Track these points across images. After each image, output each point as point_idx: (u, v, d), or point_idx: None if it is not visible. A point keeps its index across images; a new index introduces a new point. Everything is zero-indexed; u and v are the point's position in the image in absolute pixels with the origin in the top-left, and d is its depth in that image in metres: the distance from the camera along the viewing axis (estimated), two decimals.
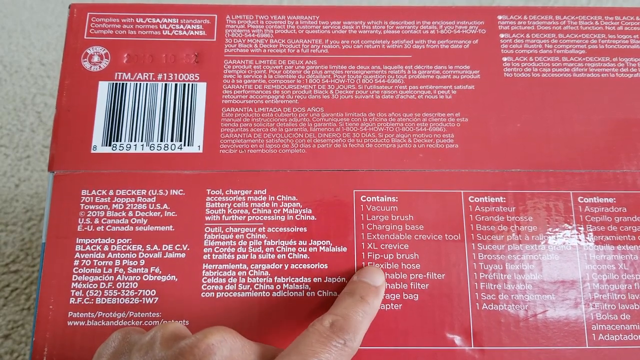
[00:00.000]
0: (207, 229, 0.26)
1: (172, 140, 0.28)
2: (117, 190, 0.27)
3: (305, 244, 0.26)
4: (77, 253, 0.26)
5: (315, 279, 0.26)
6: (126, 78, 0.29)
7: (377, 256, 0.26)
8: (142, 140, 0.27)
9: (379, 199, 0.27)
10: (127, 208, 0.26)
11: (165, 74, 0.29)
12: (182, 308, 0.25)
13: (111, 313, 0.25)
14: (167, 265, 0.26)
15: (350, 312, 0.22)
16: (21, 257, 0.43)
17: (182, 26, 0.30)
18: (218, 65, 0.29)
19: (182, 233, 0.26)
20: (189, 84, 0.29)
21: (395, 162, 0.27)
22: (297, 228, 0.26)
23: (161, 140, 0.28)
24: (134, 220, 0.26)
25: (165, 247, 0.26)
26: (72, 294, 0.25)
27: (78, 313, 0.25)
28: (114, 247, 0.26)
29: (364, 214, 0.27)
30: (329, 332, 0.21)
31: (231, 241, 0.26)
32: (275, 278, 0.26)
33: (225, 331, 0.20)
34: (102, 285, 0.25)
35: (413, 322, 0.25)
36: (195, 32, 0.30)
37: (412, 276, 0.26)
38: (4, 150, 0.47)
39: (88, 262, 0.26)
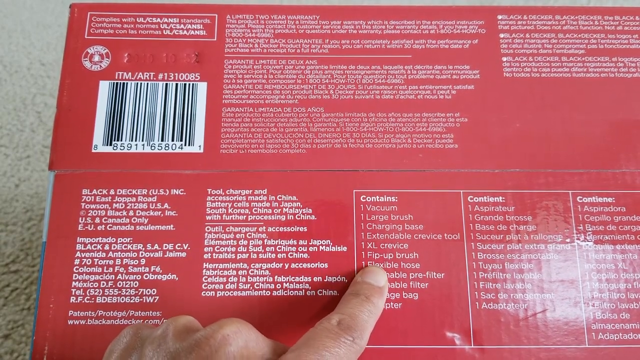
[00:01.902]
0: (208, 229, 0.26)
1: (172, 140, 0.28)
2: (118, 190, 0.27)
3: (306, 243, 0.26)
4: (78, 252, 0.26)
5: (315, 279, 0.26)
6: (127, 78, 0.29)
7: (377, 256, 0.26)
8: (142, 140, 0.28)
9: (379, 198, 0.27)
10: (127, 207, 0.26)
11: (165, 74, 0.29)
12: (182, 307, 0.25)
13: (112, 312, 0.25)
14: (167, 265, 0.26)
15: (356, 311, 0.23)
16: (21, 257, 0.43)
17: (182, 26, 0.30)
18: (218, 65, 0.29)
19: (182, 232, 0.26)
20: (189, 84, 0.29)
21: (395, 162, 0.28)
22: (297, 228, 0.26)
23: (162, 140, 0.28)
24: (134, 220, 0.26)
25: (165, 247, 0.26)
26: (73, 293, 0.25)
27: (78, 312, 0.25)
28: (114, 246, 0.26)
29: (364, 213, 0.27)
30: (337, 329, 0.21)
31: (232, 240, 0.26)
32: (276, 277, 0.26)
33: (240, 322, 0.20)
34: (103, 284, 0.26)
35: (413, 321, 0.25)
36: (196, 31, 0.30)
37: (412, 275, 0.26)
38: (4, 150, 0.47)
39: (89, 261, 0.26)
